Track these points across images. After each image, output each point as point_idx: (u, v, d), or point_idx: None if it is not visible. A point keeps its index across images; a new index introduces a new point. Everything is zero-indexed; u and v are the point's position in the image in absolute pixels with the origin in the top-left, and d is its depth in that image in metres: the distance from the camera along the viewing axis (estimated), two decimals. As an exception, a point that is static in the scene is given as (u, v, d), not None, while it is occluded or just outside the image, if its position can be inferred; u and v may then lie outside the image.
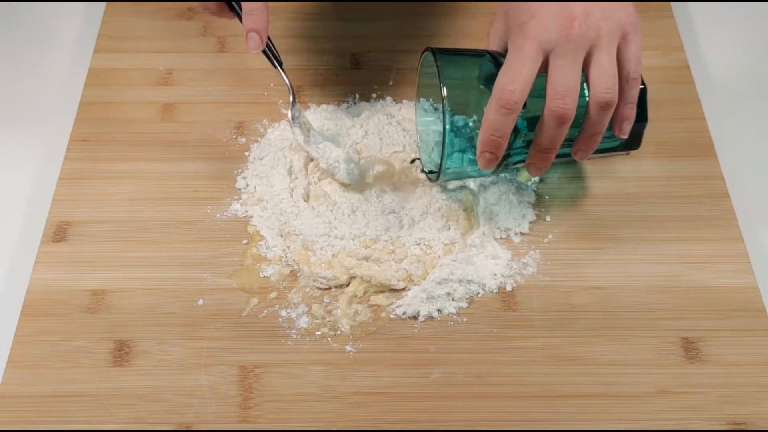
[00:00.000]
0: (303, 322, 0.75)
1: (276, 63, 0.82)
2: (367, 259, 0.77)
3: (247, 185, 0.85)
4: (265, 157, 0.86)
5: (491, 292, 0.77)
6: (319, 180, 0.84)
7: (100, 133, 0.89)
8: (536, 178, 0.85)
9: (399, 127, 0.88)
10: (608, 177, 0.85)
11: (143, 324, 0.75)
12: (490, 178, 0.83)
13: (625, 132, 0.75)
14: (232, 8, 0.81)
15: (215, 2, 0.81)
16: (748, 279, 0.78)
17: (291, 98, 0.83)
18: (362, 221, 0.80)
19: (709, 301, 0.76)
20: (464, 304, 0.76)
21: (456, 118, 0.77)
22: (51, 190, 0.84)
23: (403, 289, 0.77)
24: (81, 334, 0.74)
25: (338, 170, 0.82)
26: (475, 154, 0.74)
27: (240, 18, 0.80)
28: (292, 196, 0.82)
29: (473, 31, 0.99)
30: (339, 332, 0.74)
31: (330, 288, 0.77)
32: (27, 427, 0.69)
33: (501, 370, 0.72)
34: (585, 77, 0.72)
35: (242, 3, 0.78)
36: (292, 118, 0.84)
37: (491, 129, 0.72)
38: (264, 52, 0.81)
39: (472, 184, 0.83)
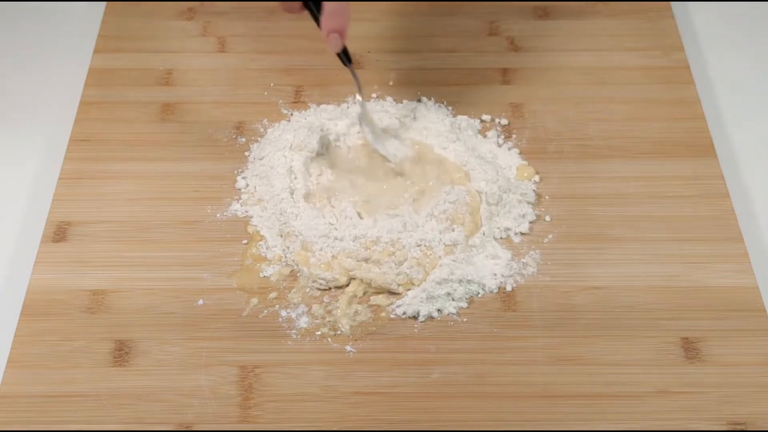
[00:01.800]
0: (303, 322, 0.75)
1: (349, 62, 0.82)
2: (366, 260, 0.77)
3: (247, 185, 0.85)
4: (265, 157, 0.86)
5: (491, 292, 0.77)
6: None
7: (100, 133, 0.89)
8: (536, 178, 0.85)
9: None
10: (608, 177, 0.85)
11: (143, 324, 0.75)
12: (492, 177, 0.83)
13: None
14: (308, 7, 0.80)
15: (298, 1, 0.80)
16: (748, 279, 0.78)
17: (359, 97, 0.84)
18: (364, 222, 0.80)
19: (709, 301, 0.76)
20: (464, 304, 0.76)
21: None
22: (51, 189, 0.84)
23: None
24: (81, 334, 0.74)
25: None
26: None
27: (315, 18, 0.79)
28: (292, 196, 0.82)
29: (473, 31, 0.99)
30: (339, 332, 0.74)
31: (330, 288, 0.77)
32: (27, 427, 0.69)
33: (501, 370, 0.72)
34: None
35: (324, 3, 0.77)
36: (360, 117, 0.84)
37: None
38: (338, 53, 0.80)
39: (475, 184, 0.83)
